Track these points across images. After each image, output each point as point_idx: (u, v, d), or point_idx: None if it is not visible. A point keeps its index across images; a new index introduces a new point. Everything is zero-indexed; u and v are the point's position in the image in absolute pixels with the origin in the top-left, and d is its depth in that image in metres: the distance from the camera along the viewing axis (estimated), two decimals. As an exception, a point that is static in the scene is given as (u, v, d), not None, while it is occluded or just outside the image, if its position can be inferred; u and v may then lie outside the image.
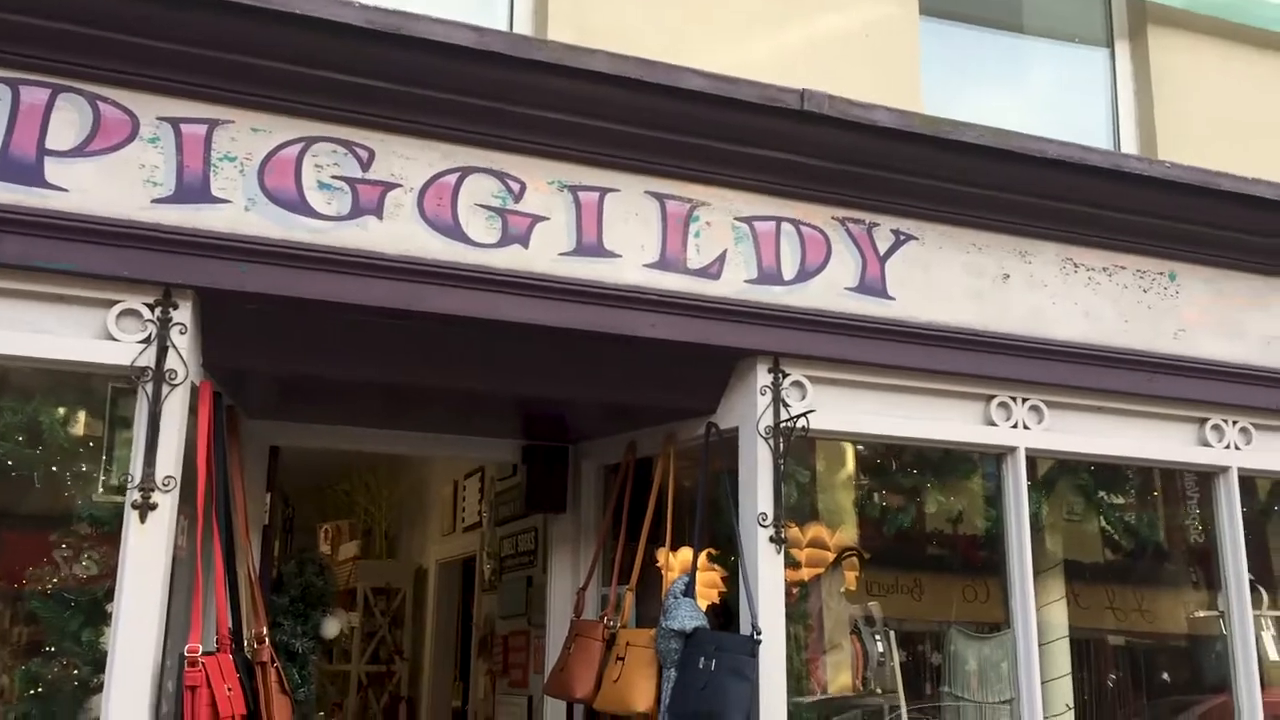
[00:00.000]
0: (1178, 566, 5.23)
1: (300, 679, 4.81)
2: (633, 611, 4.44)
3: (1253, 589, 4.73)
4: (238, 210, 3.49)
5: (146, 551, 3.25)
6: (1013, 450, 4.42)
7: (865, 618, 4.61)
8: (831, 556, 4.57)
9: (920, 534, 4.95)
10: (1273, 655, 4.77)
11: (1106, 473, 4.88)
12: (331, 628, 5.07)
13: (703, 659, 3.84)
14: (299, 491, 7.25)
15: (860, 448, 4.68)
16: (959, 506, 4.62)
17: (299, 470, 5.94)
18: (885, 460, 4.75)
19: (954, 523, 4.93)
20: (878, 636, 4.55)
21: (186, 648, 3.27)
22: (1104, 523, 5.19)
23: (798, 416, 4.03)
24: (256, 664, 3.65)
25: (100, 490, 3.58)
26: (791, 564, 4.19)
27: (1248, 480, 4.87)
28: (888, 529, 4.61)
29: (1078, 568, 4.91)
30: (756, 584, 3.93)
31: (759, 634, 3.83)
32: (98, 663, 3.30)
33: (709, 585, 4.30)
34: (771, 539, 3.98)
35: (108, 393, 3.55)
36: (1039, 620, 4.41)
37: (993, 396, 4.42)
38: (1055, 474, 4.84)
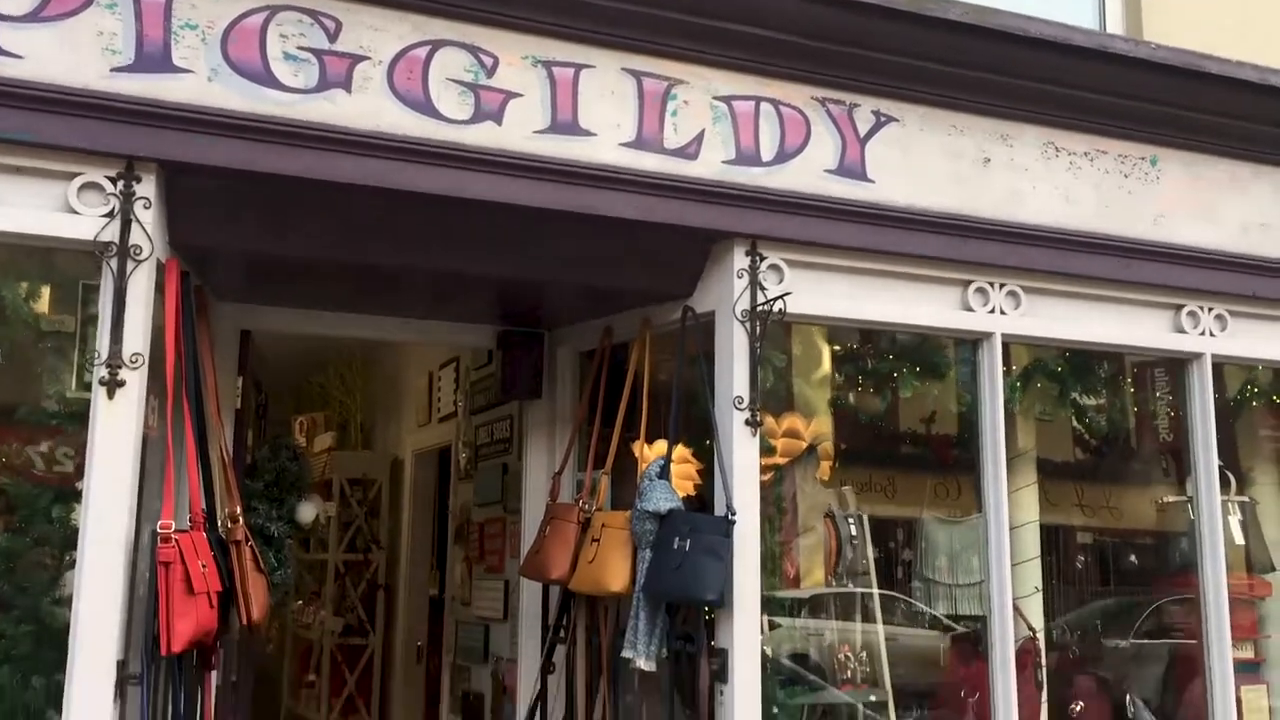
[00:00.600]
0: (1147, 459, 5.31)
1: (276, 562, 4.81)
2: (608, 495, 4.46)
3: (1221, 476, 4.78)
4: (200, 81, 3.38)
5: (116, 429, 3.22)
6: (989, 336, 4.42)
7: (839, 503, 4.65)
8: (805, 443, 4.60)
9: (894, 432, 5.01)
10: (1237, 539, 4.85)
11: (1079, 366, 4.90)
12: (307, 513, 5.06)
13: (677, 539, 3.86)
14: (274, 384, 7.19)
15: (836, 336, 4.67)
16: (934, 392, 4.63)
17: (273, 362, 5.87)
18: (861, 346, 4.75)
19: (927, 422, 4.99)
20: (850, 521, 4.59)
21: (159, 524, 3.25)
22: (1075, 420, 5.25)
23: (774, 300, 4.00)
24: (231, 543, 3.65)
25: (74, 386, 3.54)
26: (766, 449, 4.20)
27: (1218, 367, 4.90)
28: (862, 416, 4.63)
29: (1048, 465, 4.98)
30: (731, 467, 3.95)
31: (734, 515, 3.85)
32: (69, 540, 3.28)
33: (685, 478, 4.31)
34: (747, 422, 3.97)
35: (79, 290, 3.50)
36: (1010, 505, 4.45)
37: (970, 281, 4.40)
38: (1030, 371, 4.86)
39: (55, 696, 3.24)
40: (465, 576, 6.14)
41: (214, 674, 3.92)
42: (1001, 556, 4.34)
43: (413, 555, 7.49)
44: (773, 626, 4.18)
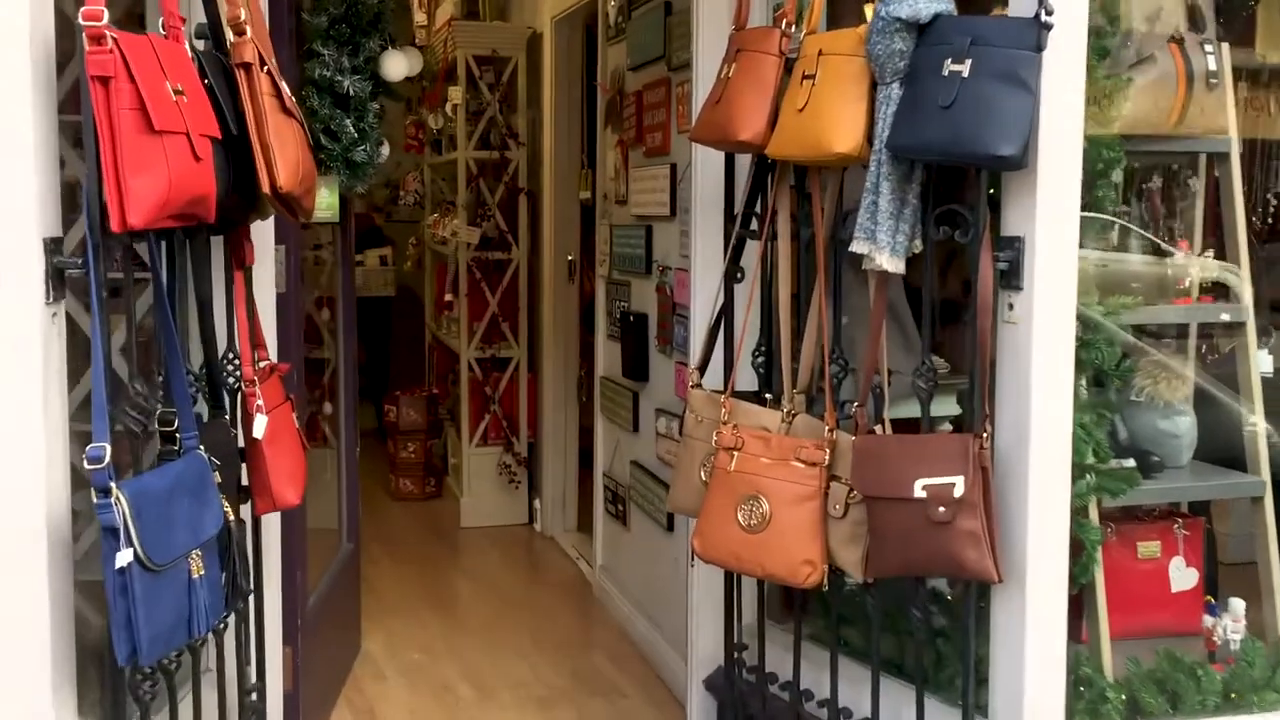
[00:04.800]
0: None
1: (357, 132, 3.62)
2: (824, 16, 3.01)
3: None
4: None
5: None
6: None
7: (1189, 21, 3.09)
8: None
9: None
10: None
11: None
12: (395, 65, 3.79)
13: (949, 61, 2.43)
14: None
15: None
16: None
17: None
18: None
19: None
20: (1208, 48, 3.04)
21: (81, 15, 1.99)
22: None
23: None
24: (237, 67, 2.39)
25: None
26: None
27: None
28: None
29: None
30: (1043, -59, 2.43)
31: (1049, 13, 2.37)
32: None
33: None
34: None
35: None
36: None
37: None
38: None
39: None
40: (620, 167, 4.88)
41: (252, 275, 2.80)
42: None
43: (558, 152, 6.25)
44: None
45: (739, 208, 3.20)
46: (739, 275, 3.22)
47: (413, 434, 7.18)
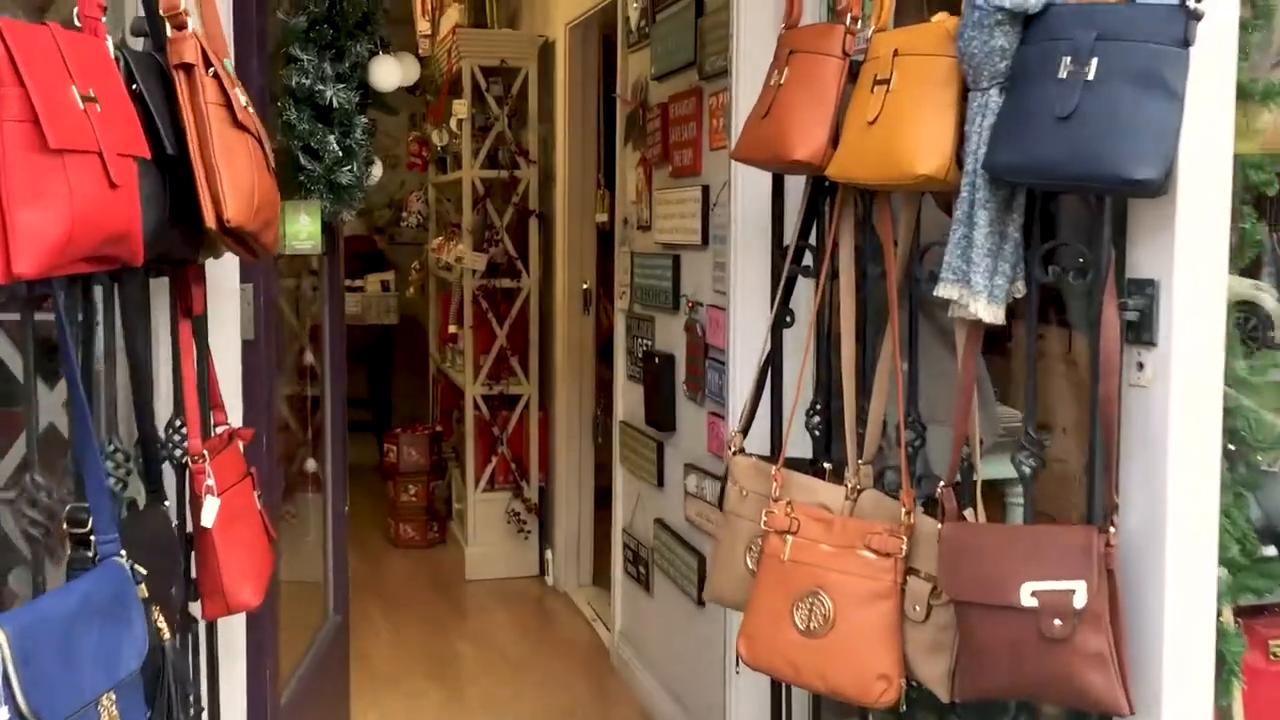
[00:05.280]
0: None
1: (342, 152, 3.16)
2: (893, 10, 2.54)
3: None
4: None
5: None
6: None
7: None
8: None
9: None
10: None
11: None
12: (386, 73, 3.32)
13: (1067, 61, 1.96)
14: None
15: None
16: None
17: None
18: None
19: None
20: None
21: None
22: None
23: None
24: (177, 69, 1.94)
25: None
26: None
27: None
28: None
29: None
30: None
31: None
32: None
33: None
34: None
35: None
36: None
37: None
38: None
39: None
40: (643, 189, 4.41)
41: (206, 324, 2.35)
42: None
43: (572, 171, 5.80)
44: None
45: (790, 239, 2.73)
46: (789, 319, 2.76)
47: (414, 475, 6.70)
